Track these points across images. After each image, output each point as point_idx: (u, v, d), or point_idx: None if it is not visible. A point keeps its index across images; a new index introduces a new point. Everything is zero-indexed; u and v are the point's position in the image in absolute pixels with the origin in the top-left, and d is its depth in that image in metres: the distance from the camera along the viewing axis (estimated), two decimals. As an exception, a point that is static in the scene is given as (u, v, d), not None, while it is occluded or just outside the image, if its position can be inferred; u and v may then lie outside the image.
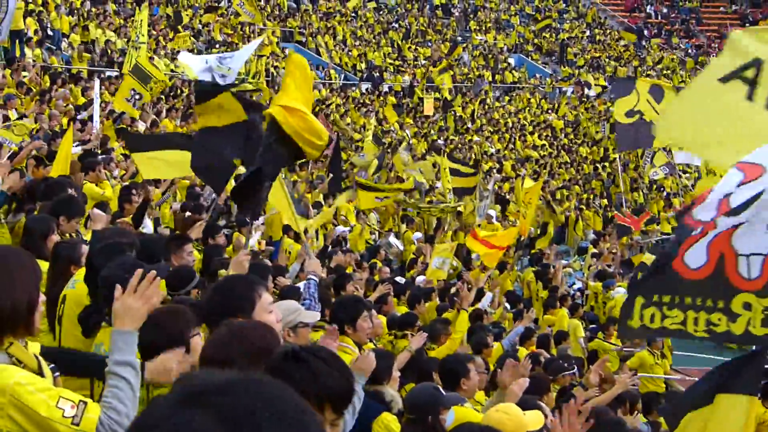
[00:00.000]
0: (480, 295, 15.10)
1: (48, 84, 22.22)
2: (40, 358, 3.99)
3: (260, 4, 46.04)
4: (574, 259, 30.32)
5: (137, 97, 19.43)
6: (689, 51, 64.19)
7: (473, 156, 37.75)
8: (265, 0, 47.94)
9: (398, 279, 17.84)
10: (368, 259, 19.04)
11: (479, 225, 22.95)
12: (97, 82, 18.34)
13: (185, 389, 1.66)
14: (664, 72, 58.46)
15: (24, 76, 21.21)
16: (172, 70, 32.69)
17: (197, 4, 43.39)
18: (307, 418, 1.69)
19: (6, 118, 14.50)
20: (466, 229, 24.73)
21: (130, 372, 3.80)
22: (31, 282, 3.85)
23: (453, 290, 15.57)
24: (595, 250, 27.32)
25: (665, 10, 69.29)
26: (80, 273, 6.24)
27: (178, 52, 34.16)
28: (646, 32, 64.72)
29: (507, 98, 51.41)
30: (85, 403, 3.58)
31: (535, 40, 59.62)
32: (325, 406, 3.61)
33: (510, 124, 46.61)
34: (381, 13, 55.88)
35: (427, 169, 28.99)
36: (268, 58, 38.06)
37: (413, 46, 52.10)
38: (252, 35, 40.43)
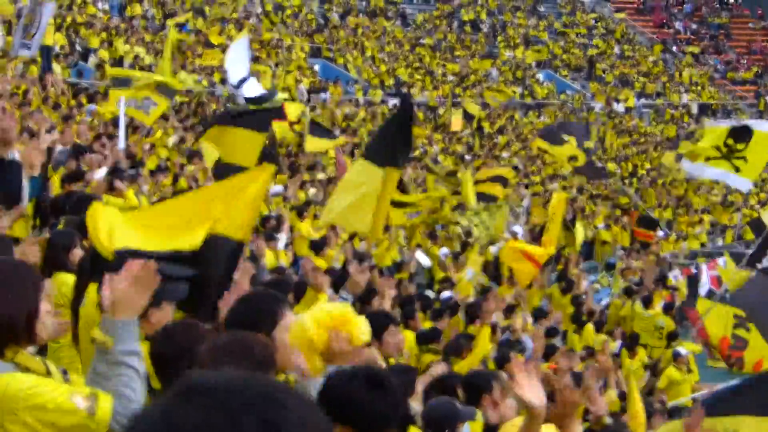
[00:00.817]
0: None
1: (73, 100, 22.56)
2: (48, 362, 4.11)
3: (288, 19, 46.62)
4: (602, 275, 30.47)
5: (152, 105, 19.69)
6: (718, 67, 64.28)
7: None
8: (294, 15, 48.44)
9: (428, 293, 18.04)
10: (394, 274, 19.24)
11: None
12: (122, 99, 18.54)
13: (180, 386, 1.65)
14: (692, 88, 58.61)
15: (50, 92, 21.51)
16: (205, 86, 33.15)
17: (227, 17, 44.04)
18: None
19: (31, 132, 14.65)
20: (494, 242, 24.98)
21: (136, 361, 3.91)
22: (30, 293, 3.92)
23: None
24: (623, 266, 27.60)
25: (694, 26, 69.42)
26: (91, 289, 6.21)
27: (205, 68, 34.74)
28: (675, 48, 64.93)
29: (536, 114, 51.61)
30: (96, 394, 3.69)
31: (564, 56, 59.83)
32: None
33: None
34: (409, 29, 56.35)
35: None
36: (296, 72, 38.58)
37: (441, 62, 52.37)
38: (279, 51, 40.94)
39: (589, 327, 18.96)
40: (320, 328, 4.84)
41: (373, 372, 3.70)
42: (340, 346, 4.68)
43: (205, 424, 1.53)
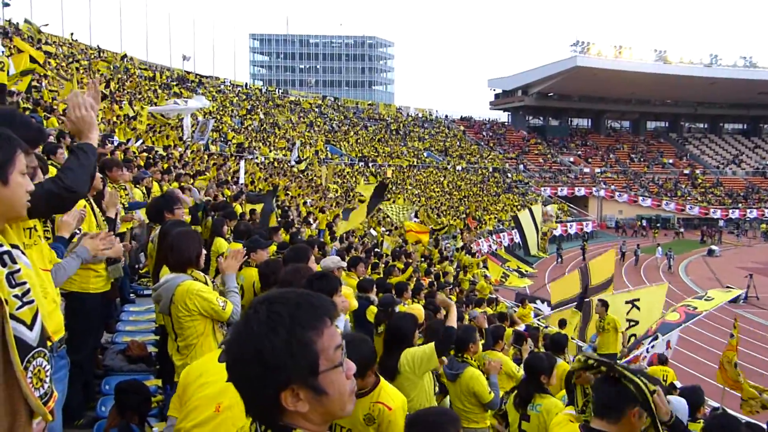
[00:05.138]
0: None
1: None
2: (207, 277, 6.66)
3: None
4: (452, 241, 44.41)
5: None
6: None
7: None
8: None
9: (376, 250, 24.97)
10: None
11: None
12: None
13: (259, 298, 2.45)
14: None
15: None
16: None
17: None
18: (322, 304, 2.40)
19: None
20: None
21: (236, 290, 6.62)
22: (199, 244, 6.54)
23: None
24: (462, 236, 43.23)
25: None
26: (218, 243, 11.06)
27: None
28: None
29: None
30: (226, 300, 6.33)
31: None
32: None
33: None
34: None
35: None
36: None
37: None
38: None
39: (447, 264, 31.94)
40: None
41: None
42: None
43: (257, 317, 2.33)
